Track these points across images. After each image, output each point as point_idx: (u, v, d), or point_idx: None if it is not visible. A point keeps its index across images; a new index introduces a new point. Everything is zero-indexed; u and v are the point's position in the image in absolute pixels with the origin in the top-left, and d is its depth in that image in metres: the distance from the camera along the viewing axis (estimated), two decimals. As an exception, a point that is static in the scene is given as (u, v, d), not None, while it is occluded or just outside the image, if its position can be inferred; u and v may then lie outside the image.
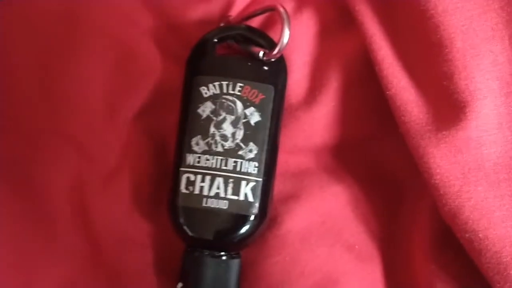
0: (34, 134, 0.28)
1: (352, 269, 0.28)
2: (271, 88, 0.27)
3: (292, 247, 0.28)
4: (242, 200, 0.26)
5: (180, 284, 0.26)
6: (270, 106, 0.27)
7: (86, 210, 0.28)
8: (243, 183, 0.26)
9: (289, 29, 0.27)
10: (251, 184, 0.26)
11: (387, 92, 0.26)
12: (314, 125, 0.29)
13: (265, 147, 0.26)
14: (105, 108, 0.28)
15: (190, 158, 0.26)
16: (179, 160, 0.27)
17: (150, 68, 0.28)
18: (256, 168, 0.26)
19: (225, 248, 0.26)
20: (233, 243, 0.26)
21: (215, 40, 0.28)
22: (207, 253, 0.26)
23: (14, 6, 0.28)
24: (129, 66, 0.28)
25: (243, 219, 0.26)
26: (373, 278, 0.29)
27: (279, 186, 0.29)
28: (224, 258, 0.26)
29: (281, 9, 0.27)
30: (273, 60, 0.27)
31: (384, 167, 0.31)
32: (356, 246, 0.29)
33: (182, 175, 0.26)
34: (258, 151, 0.26)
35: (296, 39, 0.29)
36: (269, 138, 0.27)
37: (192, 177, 0.26)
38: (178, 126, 0.27)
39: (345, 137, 0.30)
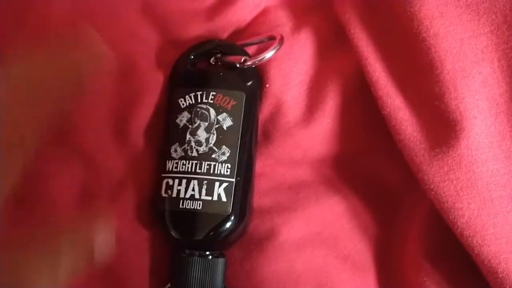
0: (42, 145, 0.28)
1: (346, 279, 0.29)
2: (242, 94, 0.29)
3: (288, 257, 0.29)
4: (216, 200, 0.27)
5: (168, 285, 0.28)
6: (242, 111, 0.28)
7: (92, 220, 0.29)
8: (217, 184, 0.27)
9: (275, 52, 0.29)
10: (224, 184, 0.27)
11: (383, 112, 0.27)
12: (311, 141, 0.30)
13: (238, 149, 0.28)
14: (111, 121, 0.29)
15: (169, 164, 0.28)
16: (160, 167, 0.28)
17: (154, 84, 0.30)
18: (229, 170, 0.27)
19: (205, 247, 0.27)
20: (211, 242, 0.27)
21: (191, 56, 0.30)
22: (189, 253, 0.27)
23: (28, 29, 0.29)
24: (134, 81, 0.30)
25: (217, 218, 0.27)
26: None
27: (276, 198, 0.31)
28: (207, 257, 0.27)
29: (279, 37, 0.29)
30: (245, 69, 0.29)
31: (379, 180, 0.32)
32: (351, 256, 0.30)
33: (162, 181, 0.28)
34: (230, 153, 0.28)
35: (293, 58, 0.30)
36: (242, 140, 0.28)
37: (170, 182, 0.28)
38: (161, 136, 0.29)
39: (342, 151, 0.31)
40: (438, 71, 0.26)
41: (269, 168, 0.31)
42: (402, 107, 0.27)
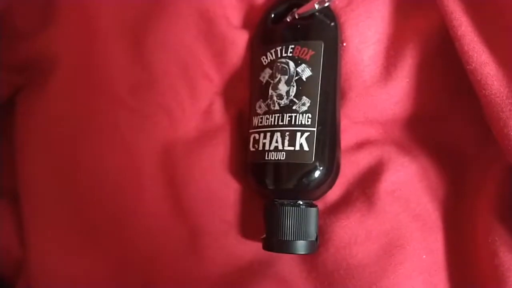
0: (123, 96, 0.31)
1: (416, 237, 0.29)
2: (320, 43, 0.28)
3: (360, 213, 0.30)
4: (298, 150, 0.27)
5: (263, 236, 0.29)
6: (321, 60, 0.28)
7: (173, 171, 0.31)
8: (298, 134, 0.27)
9: None
10: (306, 134, 0.27)
11: (468, 67, 0.27)
12: (387, 101, 0.30)
13: (318, 98, 0.28)
14: (188, 76, 0.31)
15: (255, 120, 0.29)
16: (248, 124, 0.30)
17: (231, 42, 0.31)
18: (309, 119, 0.27)
19: (295, 197, 0.28)
20: (299, 191, 0.28)
21: (272, 15, 0.31)
22: (281, 202, 0.28)
23: None
24: (211, 39, 0.31)
25: (302, 167, 0.27)
26: (435, 247, 0.29)
27: (350, 158, 0.31)
28: (300, 206, 0.28)
29: None
30: (322, 18, 0.29)
31: (451, 140, 0.31)
32: (422, 216, 0.30)
33: (250, 136, 0.29)
34: (311, 103, 0.28)
35: (371, 17, 0.30)
36: (322, 90, 0.28)
37: (257, 136, 0.29)
38: (245, 93, 0.31)
39: (416, 112, 0.31)
40: None
41: (343, 127, 0.30)
42: (489, 62, 0.26)
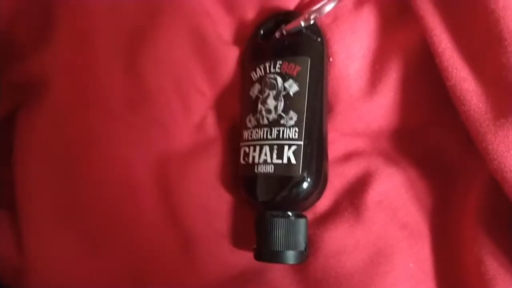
0: (118, 112, 0.31)
1: (404, 246, 0.30)
2: (306, 59, 0.29)
3: (348, 223, 0.30)
4: (286, 163, 0.28)
5: (254, 246, 0.30)
6: (307, 75, 0.29)
7: (168, 183, 0.31)
8: (286, 148, 0.28)
9: (335, 5, 0.30)
10: (293, 147, 0.28)
11: (447, 83, 0.27)
12: (373, 113, 0.31)
13: (305, 113, 0.29)
14: (181, 91, 0.32)
15: (245, 134, 0.30)
16: (239, 137, 0.31)
17: (223, 58, 0.32)
18: (296, 133, 0.28)
19: (283, 208, 0.29)
20: (286, 203, 0.29)
21: (261, 31, 0.32)
22: (270, 214, 0.29)
23: None
24: (203, 55, 0.32)
25: (290, 180, 0.28)
26: (422, 256, 0.30)
27: (338, 169, 0.32)
28: (289, 218, 0.29)
29: None
30: (308, 35, 0.30)
31: (437, 152, 0.32)
32: (409, 225, 0.30)
33: (240, 149, 0.30)
34: (298, 117, 0.29)
35: (356, 32, 0.31)
36: (308, 104, 0.29)
37: (247, 150, 0.30)
38: (236, 108, 0.32)
39: (403, 123, 0.32)
40: (506, 42, 0.25)
41: (331, 139, 0.31)
42: (468, 78, 0.27)
